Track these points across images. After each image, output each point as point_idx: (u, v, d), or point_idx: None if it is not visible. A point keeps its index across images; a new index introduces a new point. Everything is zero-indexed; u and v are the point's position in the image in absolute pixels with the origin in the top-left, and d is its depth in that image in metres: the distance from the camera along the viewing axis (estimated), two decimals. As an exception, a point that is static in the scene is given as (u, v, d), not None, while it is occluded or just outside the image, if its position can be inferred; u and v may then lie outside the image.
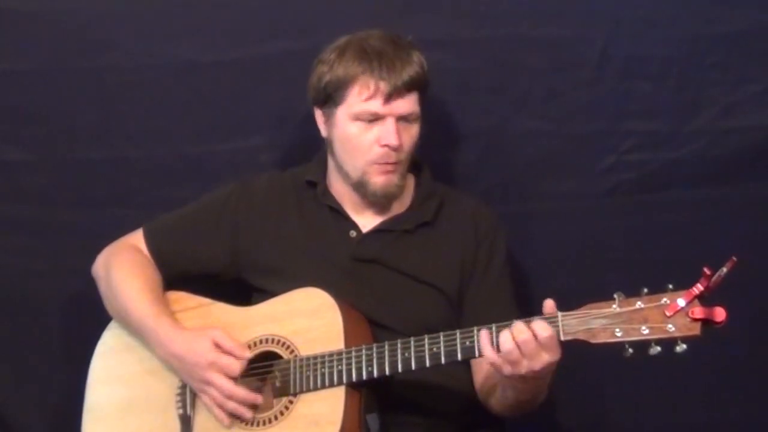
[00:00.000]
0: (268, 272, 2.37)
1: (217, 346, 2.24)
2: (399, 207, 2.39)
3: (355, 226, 2.37)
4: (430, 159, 2.48)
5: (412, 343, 2.14)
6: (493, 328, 2.06)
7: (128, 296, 2.37)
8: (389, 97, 2.26)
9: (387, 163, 2.30)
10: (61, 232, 2.77)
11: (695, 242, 2.62)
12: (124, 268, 2.41)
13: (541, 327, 2.01)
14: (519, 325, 2.03)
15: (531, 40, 2.62)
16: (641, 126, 2.62)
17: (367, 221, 2.38)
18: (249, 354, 2.24)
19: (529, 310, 2.42)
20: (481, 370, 2.30)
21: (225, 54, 2.69)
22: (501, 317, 2.13)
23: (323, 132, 2.38)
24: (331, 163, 2.40)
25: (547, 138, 2.65)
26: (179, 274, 2.43)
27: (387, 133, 2.27)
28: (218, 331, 2.26)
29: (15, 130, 2.76)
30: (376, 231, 2.36)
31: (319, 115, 2.37)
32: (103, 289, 2.44)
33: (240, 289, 2.42)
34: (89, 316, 2.50)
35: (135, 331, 2.36)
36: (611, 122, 2.63)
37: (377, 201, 2.35)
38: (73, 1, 2.72)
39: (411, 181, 2.43)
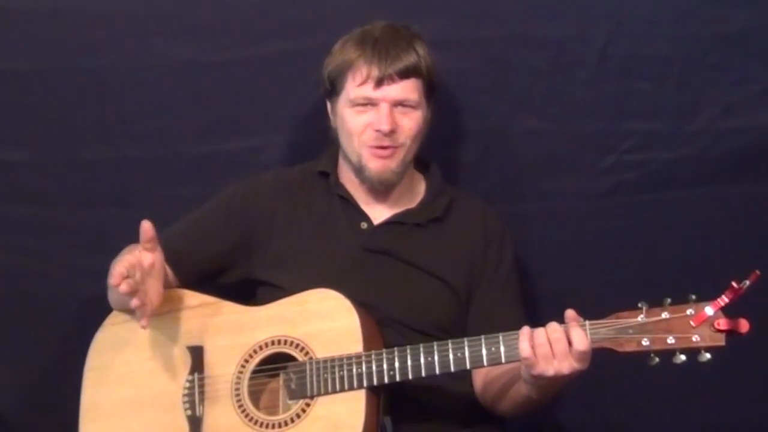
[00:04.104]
0: (276, 264, 2.37)
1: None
2: (410, 201, 2.42)
3: (366, 218, 2.38)
4: (430, 159, 2.48)
5: (435, 347, 2.14)
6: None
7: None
8: (380, 82, 2.30)
9: (380, 147, 2.31)
10: (61, 232, 2.77)
11: (695, 242, 2.62)
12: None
13: (578, 338, 2.05)
14: (553, 325, 2.07)
15: (531, 40, 2.62)
16: (641, 126, 2.62)
17: (378, 213, 2.39)
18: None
19: (530, 310, 2.43)
20: (480, 374, 2.32)
21: (225, 54, 2.69)
22: (509, 318, 2.17)
23: (332, 123, 2.41)
24: (340, 155, 2.42)
25: (547, 138, 2.65)
26: (192, 274, 2.42)
27: (379, 117, 2.30)
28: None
29: (15, 130, 2.76)
30: (388, 223, 2.38)
31: (328, 106, 2.41)
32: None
33: (241, 285, 2.43)
34: (90, 316, 2.48)
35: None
36: (611, 122, 2.63)
37: (375, 187, 2.36)
38: (73, 1, 2.72)
39: (421, 179, 2.46)
